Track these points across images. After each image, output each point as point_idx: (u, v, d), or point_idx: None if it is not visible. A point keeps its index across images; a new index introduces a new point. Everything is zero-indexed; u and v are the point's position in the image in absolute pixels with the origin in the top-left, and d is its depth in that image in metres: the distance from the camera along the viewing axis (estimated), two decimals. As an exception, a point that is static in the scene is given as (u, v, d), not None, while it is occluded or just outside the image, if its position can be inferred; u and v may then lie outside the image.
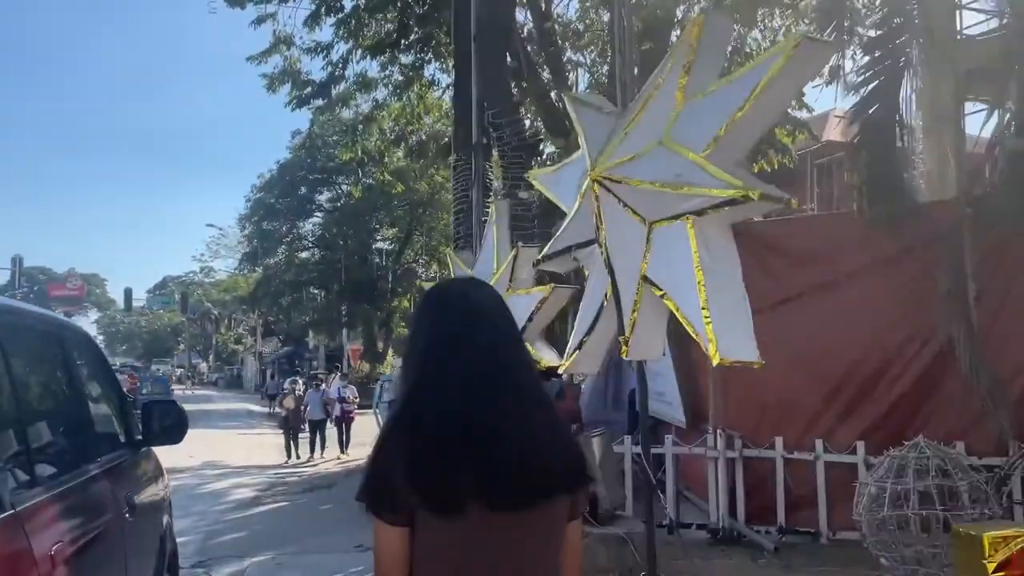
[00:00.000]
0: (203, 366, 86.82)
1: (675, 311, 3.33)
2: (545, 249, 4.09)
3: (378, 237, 39.79)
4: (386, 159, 22.46)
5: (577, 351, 3.70)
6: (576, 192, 3.80)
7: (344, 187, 40.00)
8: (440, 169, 38.28)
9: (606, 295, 3.58)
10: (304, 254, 40.97)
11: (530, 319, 4.91)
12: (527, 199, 8.12)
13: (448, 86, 21.93)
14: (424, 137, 22.08)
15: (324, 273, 39.24)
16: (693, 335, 3.26)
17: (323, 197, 39.93)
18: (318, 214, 40.06)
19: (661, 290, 3.32)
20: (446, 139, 22.26)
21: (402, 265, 40.60)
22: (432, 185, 37.58)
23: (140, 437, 4.31)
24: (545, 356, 5.03)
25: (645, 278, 3.37)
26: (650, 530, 4.06)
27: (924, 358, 7.38)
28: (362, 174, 25.53)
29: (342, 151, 22.69)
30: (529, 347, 5.06)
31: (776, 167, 16.37)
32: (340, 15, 18.94)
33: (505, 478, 1.55)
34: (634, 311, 3.45)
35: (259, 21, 19.60)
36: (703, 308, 3.13)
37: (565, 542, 1.71)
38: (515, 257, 4.99)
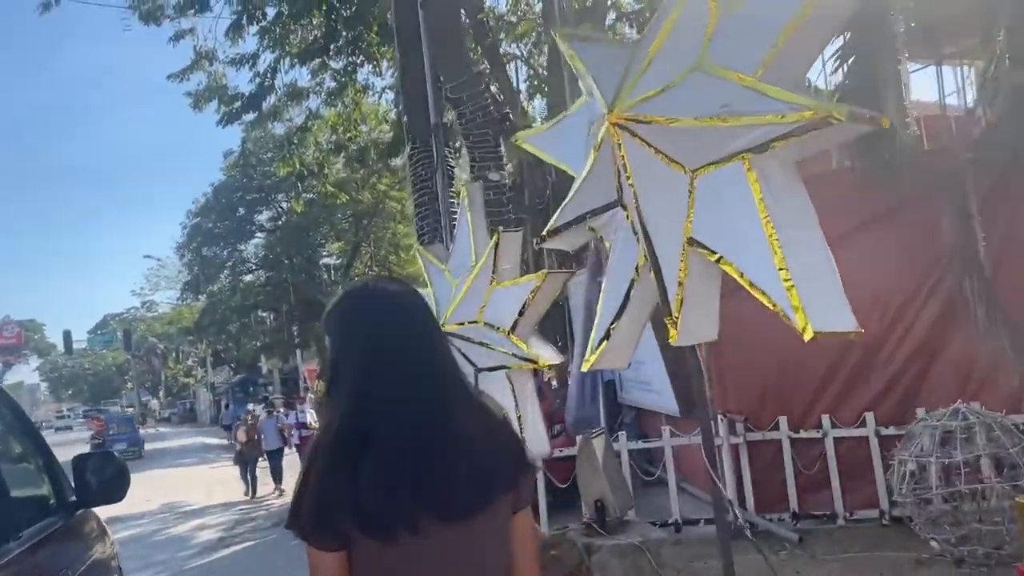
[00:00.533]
0: (154, 403, 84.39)
1: (739, 278, 2.68)
2: (552, 221, 3.45)
3: (324, 253, 38.71)
4: (326, 170, 21.58)
5: (605, 341, 3.07)
6: (587, 146, 3.10)
7: (284, 205, 38.84)
8: (383, 177, 37.46)
9: (637, 269, 2.96)
10: (248, 277, 39.61)
11: (521, 313, 4.27)
12: (499, 180, 7.39)
13: (384, 89, 21.23)
14: (363, 144, 21.29)
15: (271, 295, 37.99)
16: (769, 305, 2.61)
17: (263, 217, 38.68)
18: (259, 235, 38.77)
19: (715, 253, 2.70)
20: (383, 145, 21.58)
21: (351, 279, 39.59)
22: (376, 194, 36.73)
23: (75, 498, 3.59)
24: (543, 354, 4.40)
25: (692, 240, 2.75)
26: (724, 540, 3.43)
27: (928, 318, 6.94)
28: (302, 188, 24.51)
29: (279, 166, 21.80)
30: (522, 344, 4.44)
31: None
32: (263, 23, 18.12)
33: (453, 490, 1.49)
34: (681, 284, 2.83)
35: (177, 38, 18.67)
36: (780, 269, 2.53)
37: (514, 536, 1.65)
38: (496, 245, 4.34)
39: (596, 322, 3.23)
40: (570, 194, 3.17)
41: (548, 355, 4.41)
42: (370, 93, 21.08)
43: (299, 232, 36.20)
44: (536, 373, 4.90)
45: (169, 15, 17.93)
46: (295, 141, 21.38)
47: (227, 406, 43.75)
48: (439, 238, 6.73)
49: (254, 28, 17.74)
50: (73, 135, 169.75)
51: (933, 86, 10.03)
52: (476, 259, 4.61)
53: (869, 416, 6.95)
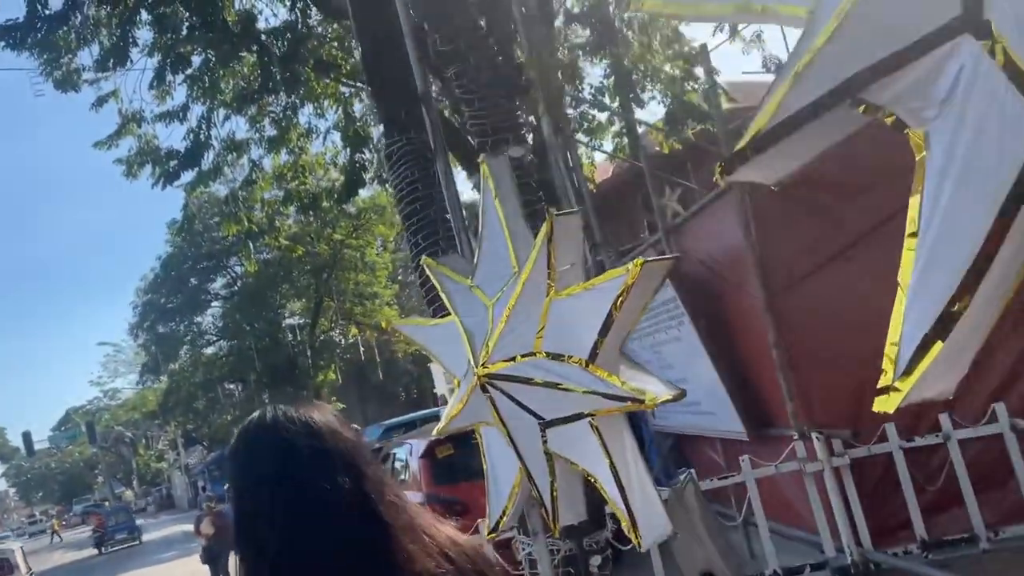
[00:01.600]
0: (128, 494, 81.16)
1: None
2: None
3: (286, 314, 36.90)
4: (277, 223, 20.00)
5: (927, 359, 1.68)
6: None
7: (237, 269, 37.03)
8: (337, 227, 35.87)
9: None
10: (209, 350, 37.58)
11: (604, 331, 2.80)
12: (521, 156, 5.60)
13: (328, 130, 19.81)
14: (315, 191, 19.76)
15: (236, 365, 35.98)
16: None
17: (217, 285, 36.84)
18: (215, 304, 36.87)
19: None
20: (335, 191, 20.08)
21: (318, 337, 37.78)
22: (332, 245, 35.16)
23: None
24: (649, 387, 2.90)
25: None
26: None
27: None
28: (254, 248, 22.73)
29: (227, 225, 20.18)
30: (611, 376, 2.97)
31: (695, 136, 14.93)
32: (189, 72, 16.61)
33: None
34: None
35: (100, 103, 17.06)
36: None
37: None
38: (549, 236, 2.86)
39: (900, 333, 1.79)
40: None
41: (657, 388, 2.91)
42: (314, 137, 19.68)
43: (257, 296, 34.44)
44: (632, 419, 3.41)
45: (87, 79, 16.36)
46: (240, 197, 19.82)
47: (204, 488, 41.42)
48: (452, 247, 4.95)
49: (180, 78, 16.24)
50: (11, 234, 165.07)
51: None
52: (518, 263, 3.14)
53: (999, 407, 5.56)
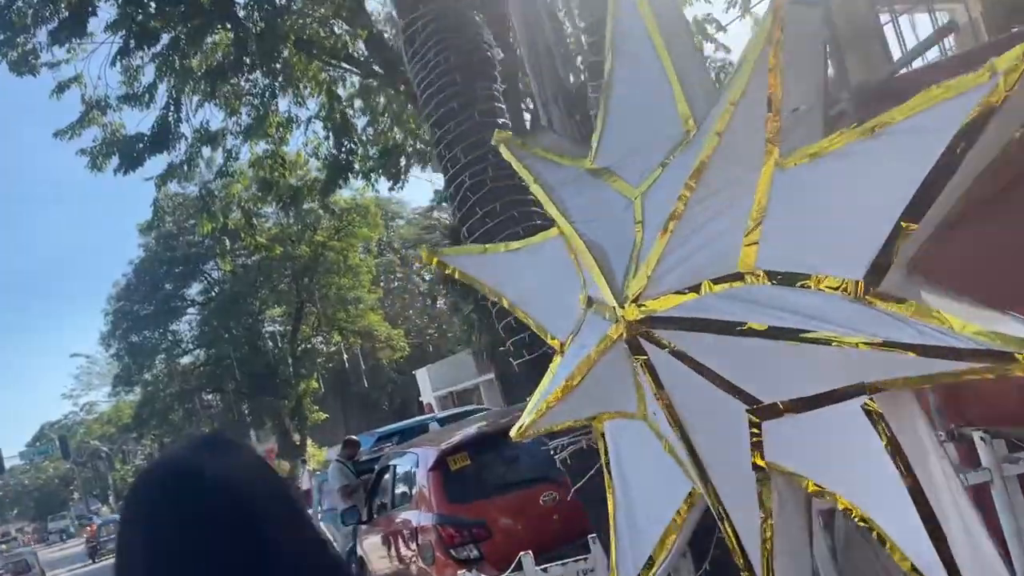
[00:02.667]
0: (104, 510, 78.88)
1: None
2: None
3: (265, 321, 35.17)
4: (254, 221, 18.41)
5: None
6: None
7: (215, 274, 35.31)
8: (318, 230, 34.28)
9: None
10: (186, 359, 35.80)
11: (917, 211, 1.27)
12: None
13: (309, 120, 18.25)
14: (296, 185, 18.15)
15: (214, 375, 34.26)
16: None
17: (193, 291, 35.08)
18: (191, 311, 35.11)
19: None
20: (316, 184, 18.54)
21: (299, 344, 36.06)
22: (313, 247, 33.52)
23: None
24: (1004, 328, 1.40)
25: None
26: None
27: None
28: (231, 248, 21.03)
29: (202, 223, 18.61)
30: (935, 315, 1.47)
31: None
32: (157, 49, 15.04)
33: None
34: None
35: (60, 90, 15.43)
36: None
37: None
38: (776, 47, 1.33)
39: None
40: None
41: (1016, 328, 1.42)
42: (294, 127, 18.14)
43: (235, 301, 32.75)
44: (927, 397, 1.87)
45: (46, 62, 14.77)
46: (215, 191, 18.24)
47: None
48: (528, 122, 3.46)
49: (147, 57, 14.69)
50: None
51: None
52: (694, 118, 1.63)
53: None
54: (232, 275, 34.35)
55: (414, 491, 6.61)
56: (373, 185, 18.54)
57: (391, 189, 18.50)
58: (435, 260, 2.33)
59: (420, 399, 36.74)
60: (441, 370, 35.19)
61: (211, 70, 15.44)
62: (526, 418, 2.13)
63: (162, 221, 33.07)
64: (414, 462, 6.76)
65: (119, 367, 34.23)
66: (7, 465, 60.65)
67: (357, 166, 18.84)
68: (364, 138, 17.62)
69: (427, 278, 55.42)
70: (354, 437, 9.71)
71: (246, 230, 17.67)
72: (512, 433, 2.24)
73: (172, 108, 15.65)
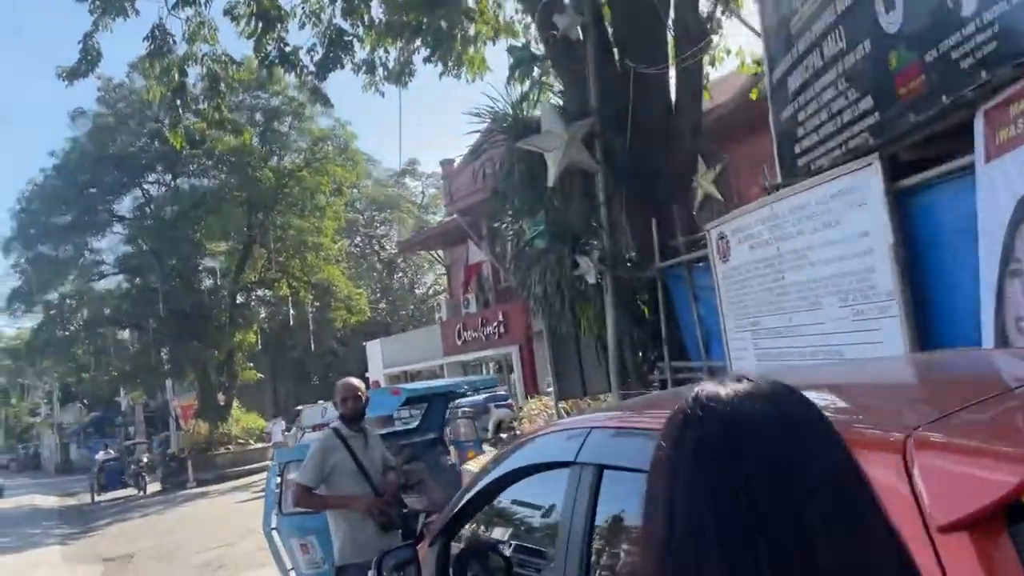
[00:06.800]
0: (-11, 447, 71.77)
1: None
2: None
3: (204, 254, 29.80)
4: (220, 86, 13.40)
5: None
6: None
7: (151, 189, 29.85)
8: (284, 154, 29.02)
9: None
10: (102, 283, 30.14)
11: None
12: None
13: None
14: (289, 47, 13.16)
15: (133, 307, 28.72)
16: None
17: (124, 205, 29.52)
18: (118, 229, 29.50)
19: None
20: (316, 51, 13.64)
21: (241, 287, 30.79)
22: (278, 174, 28.34)
23: None
24: None
25: None
26: None
27: None
28: (184, 138, 15.36)
29: (150, 87, 13.50)
30: None
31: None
32: None
33: None
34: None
35: None
36: None
37: None
38: None
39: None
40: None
41: None
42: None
43: (174, 225, 27.35)
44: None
45: None
46: (170, 38, 13.16)
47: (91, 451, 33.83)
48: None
49: None
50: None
51: None
52: None
53: None
54: (174, 189, 28.95)
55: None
56: (378, 80, 13.80)
57: (398, 82, 13.77)
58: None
59: (367, 375, 31.81)
60: (395, 346, 30.32)
61: None
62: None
63: (106, 109, 27.58)
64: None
65: (20, 280, 28.44)
66: None
67: (368, 45, 14.11)
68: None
69: (387, 248, 50.41)
70: (356, 382, 4.99)
71: (209, 97, 12.79)
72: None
73: None
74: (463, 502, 3.00)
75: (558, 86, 9.55)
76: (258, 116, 27.45)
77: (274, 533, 5.88)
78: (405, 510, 4.81)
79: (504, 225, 9.43)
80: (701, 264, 8.45)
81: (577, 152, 8.33)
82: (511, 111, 9.15)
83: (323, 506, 4.84)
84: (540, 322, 9.59)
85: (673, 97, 9.08)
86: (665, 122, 8.94)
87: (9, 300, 28.51)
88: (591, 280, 8.35)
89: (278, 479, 5.80)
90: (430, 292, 48.49)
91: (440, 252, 34.42)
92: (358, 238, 49.44)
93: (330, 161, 29.13)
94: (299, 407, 25.64)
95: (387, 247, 49.72)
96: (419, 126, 73.57)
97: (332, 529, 4.76)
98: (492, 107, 9.20)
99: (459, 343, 25.75)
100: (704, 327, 8.16)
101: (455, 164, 28.60)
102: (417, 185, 51.41)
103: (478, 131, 9.86)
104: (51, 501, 27.81)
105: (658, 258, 8.62)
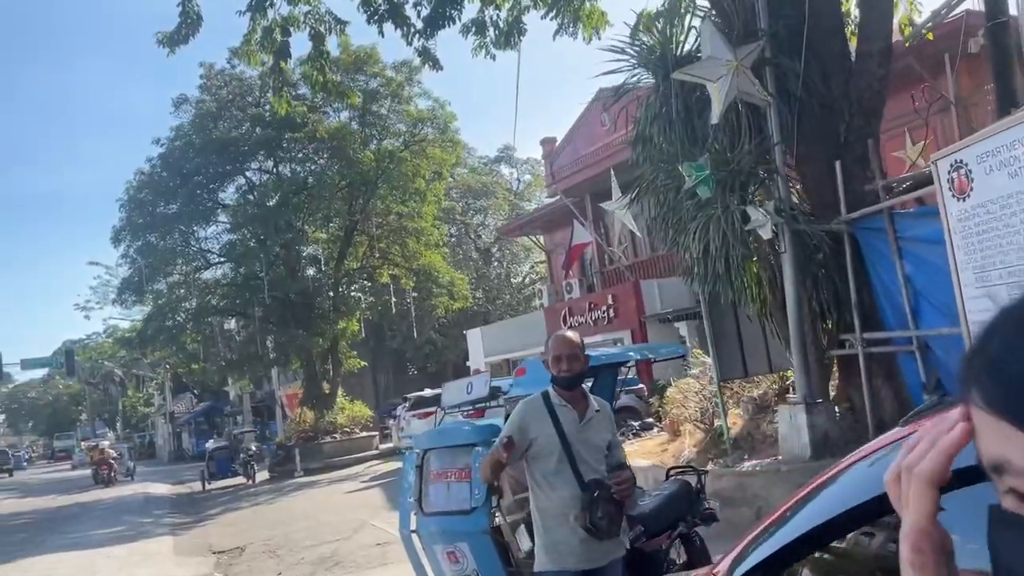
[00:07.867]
0: (110, 435, 74.54)
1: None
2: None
3: (307, 240, 29.41)
4: (325, 47, 12.53)
5: None
6: None
7: (255, 177, 29.60)
8: (386, 135, 28.33)
9: None
10: (208, 274, 30.12)
11: None
12: None
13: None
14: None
15: (239, 296, 28.54)
16: None
17: (227, 194, 29.38)
18: (223, 216, 29.36)
19: None
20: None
21: (344, 275, 30.29)
22: (379, 156, 27.64)
23: None
24: None
25: None
26: None
27: None
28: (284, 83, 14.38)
29: (249, 55, 12.71)
30: None
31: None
32: None
33: None
34: None
35: None
36: None
37: None
38: None
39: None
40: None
41: None
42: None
43: (277, 210, 26.97)
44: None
45: None
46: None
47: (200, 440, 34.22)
48: None
49: None
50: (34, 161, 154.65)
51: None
52: None
53: None
54: (275, 176, 28.65)
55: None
56: (488, 40, 12.68)
57: (507, 43, 12.64)
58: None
59: (468, 363, 30.95)
60: (497, 334, 29.31)
61: None
62: None
63: (207, 95, 27.46)
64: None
65: (130, 270, 28.61)
66: (24, 378, 55.96)
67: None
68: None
69: (483, 236, 49.55)
70: (575, 336, 3.80)
71: (314, 62, 11.91)
72: None
73: None
74: (781, 535, 1.77)
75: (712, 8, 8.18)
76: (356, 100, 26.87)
77: (413, 537, 4.76)
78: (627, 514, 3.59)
79: (654, 175, 8.11)
80: (912, 211, 7.01)
81: (746, 82, 6.96)
82: (658, 40, 7.86)
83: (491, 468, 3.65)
84: (695, 287, 8.21)
85: (855, 14, 7.63)
86: (847, 44, 7.50)
87: (120, 290, 28.76)
88: (765, 235, 6.96)
89: (415, 471, 4.68)
90: (526, 281, 47.42)
91: (540, 238, 33.29)
92: (454, 227, 48.70)
93: (429, 143, 28.33)
94: (406, 396, 24.97)
95: (483, 236, 48.83)
96: (514, 113, 72.58)
97: (535, 528, 3.60)
98: (635, 40, 7.94)
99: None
100: (913, 289, 6.71)
101: (556, 143, 27.42)
102: (512, 172, 50.42)
103: (614, 71, 8.58)
104: (163, 489, 27.95)
105: (844, 208, 7.18)
